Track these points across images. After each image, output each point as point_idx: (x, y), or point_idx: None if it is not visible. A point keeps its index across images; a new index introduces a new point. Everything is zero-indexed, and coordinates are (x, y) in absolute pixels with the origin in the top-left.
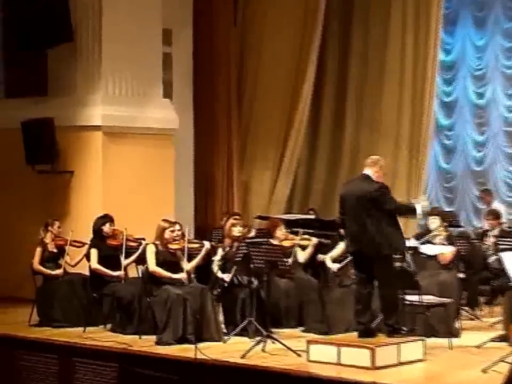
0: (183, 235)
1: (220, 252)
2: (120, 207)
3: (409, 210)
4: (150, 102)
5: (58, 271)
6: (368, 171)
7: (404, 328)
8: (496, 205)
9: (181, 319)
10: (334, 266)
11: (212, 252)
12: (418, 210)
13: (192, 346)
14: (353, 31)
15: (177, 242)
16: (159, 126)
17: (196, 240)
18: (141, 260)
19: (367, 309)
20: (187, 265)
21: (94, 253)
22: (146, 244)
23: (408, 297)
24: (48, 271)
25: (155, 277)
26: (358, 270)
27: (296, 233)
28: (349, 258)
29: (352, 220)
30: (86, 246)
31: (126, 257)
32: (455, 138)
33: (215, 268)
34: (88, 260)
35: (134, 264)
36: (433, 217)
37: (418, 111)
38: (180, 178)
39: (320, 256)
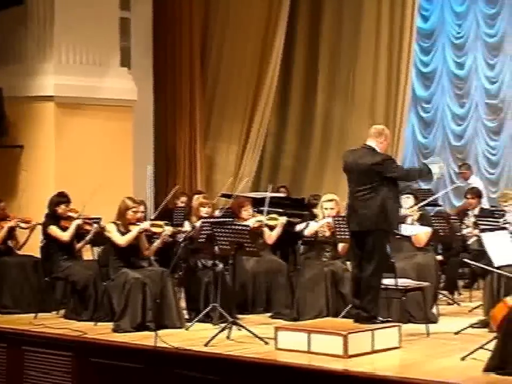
0: (145, 217)
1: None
2: (74, 184)
3: (423, 173)
4: (106, 71)
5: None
6: (371, 142)
7: (380, 318)
8: (474, 180)
9: (140, 304)
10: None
11: (174, 234)
12: (435, 170)
13: (152, 333)
14: None
15: (139, 224)
16: (116, 97)
17: (158, 222)
18: (97, 241)
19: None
20: (148, 249)
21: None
22: (100, 226)
23: (383, 281)
24: None
25: (112, 259)
26: (356, 249)
27: (263, 213)
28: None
29: (351, 193)
30: (37, 226)
31: (81, 239)
32: (433, 111)
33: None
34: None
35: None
36: (406, 195)
37: (395, 81)
38: (139, 153)
39: (298, 226)
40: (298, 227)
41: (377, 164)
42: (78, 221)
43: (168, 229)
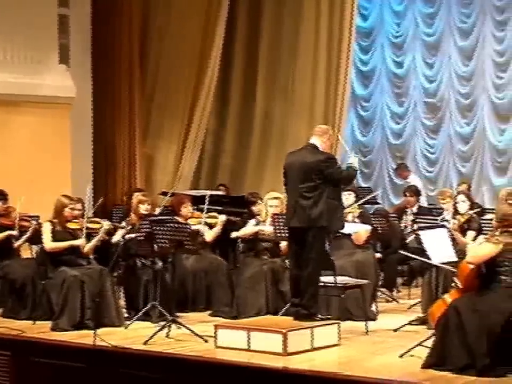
0: (83, 214)
1: (122, 231)
2: (11, 181)
3: (355, 173)
4: (44, 68)
5: None
6: (315, 140)
7: (319, 316)
8: (413, 179)
9: (79, 303)
10: (268, 229)
11: (113, 231)
12: (355, 164)
13: (91, 332)
14: None
15: (76, 221)
16: (55, 94)
17: (96, 219)
18: (35, 239)
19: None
20: (86, 246)
21: None
22: (39, 223)
23: (322, 278)
24: None
25: (51, 257)
26: (295, 247)
27: (203, 211)
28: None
29: (293, 191)
30: None
31: (20, 237)
32: (372, 110)
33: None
34: None
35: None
36: (348, 192)
37: (334, 80)
38: (78, 151)
39: (234, 233)
40: (234, 234)
41: (320, 162)
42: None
43: (106, 224)
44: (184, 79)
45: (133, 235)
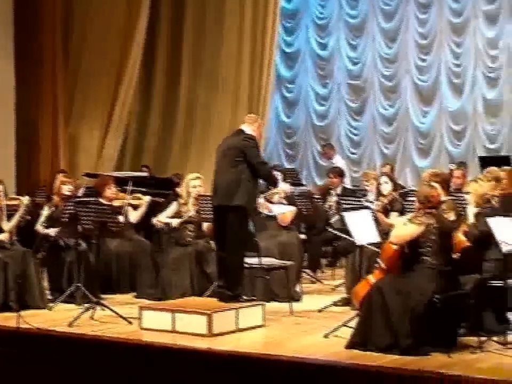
0: (5, 194)
1: (46, 211)
2: None
3: (271, 178)
4: None
5: None
6: (244, 127)
7: (244, 297)
8: (337, 160)
9: (2, 284)
10: (174, 222)
11: (35, 210)
12: (279, 187)
13: (15, 314)
14: None
15: None
16: None
17: (15, 197)
18: None
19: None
20: (7, 225)
21: None
22: None
23: (247, 260)
24: None
25: None
26: (219, 227)
27: (126, 192)
28: (187, 215)
29: (217, 172)
30: None
31: None
32: (296, 91)
33: (39, 227)
34: None
35: None
36: (276, 173)
37: (259, 61)
38: (0, 132)
39: (154, 220)
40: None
41: (241, 141)
42: None
43: (26, 199)
44: (108, 60)
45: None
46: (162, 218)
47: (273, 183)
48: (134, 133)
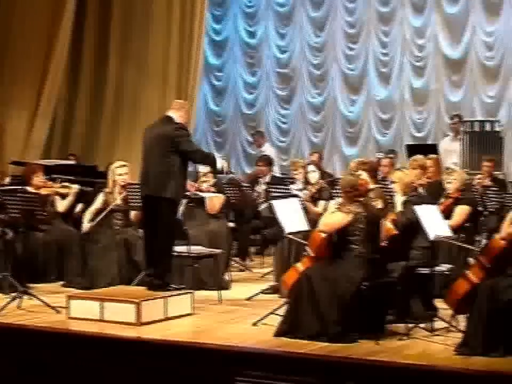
0: None
1: None
2: None
3: (209, 158)
4: None
5: None
6: (172, 113)
7: (173, 285)
8: (267, 148)
9: None
10: (85, 227)
11: None
12: (219, 164)
13: None
14: None
15: None
16: None
17: None
18: None
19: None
20: None
21: None
22: None
23: (176, 248)
24: None
25: None
26: (148, 215)
27: (55, 180)
28: (109, 208)
29: (146, 160)
30: None
31: None
32: (225, 79)
33: None
34: None
35: None
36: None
37: (187, 49)
38: None
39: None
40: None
41: (172, 131)
42: None
43: None
44: (35, 44)
45: None
46: (86, 219)
47: (212, 164)
48: (62, 119)
